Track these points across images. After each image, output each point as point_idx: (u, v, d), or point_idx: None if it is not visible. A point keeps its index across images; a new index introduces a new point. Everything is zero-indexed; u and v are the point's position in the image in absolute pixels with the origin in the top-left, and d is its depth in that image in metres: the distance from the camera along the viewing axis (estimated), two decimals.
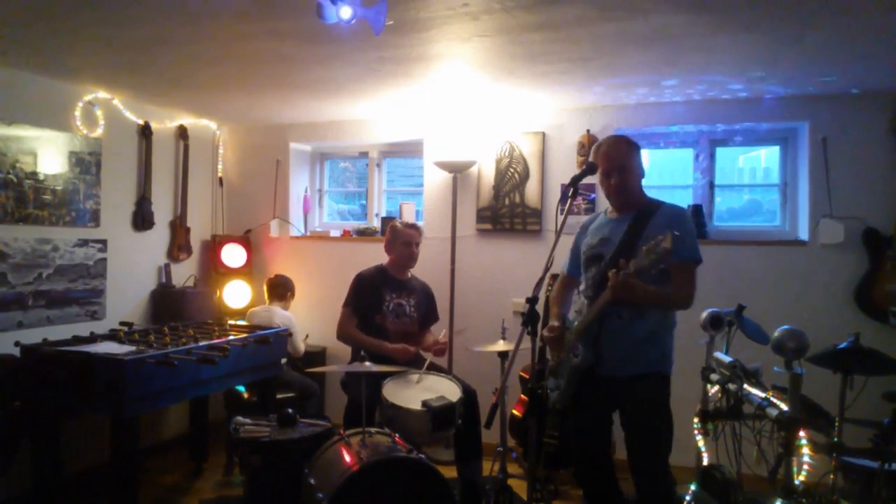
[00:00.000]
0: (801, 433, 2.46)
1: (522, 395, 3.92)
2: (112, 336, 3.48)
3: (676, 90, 3.77)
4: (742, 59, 3.15)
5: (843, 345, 2.37)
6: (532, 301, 2.33)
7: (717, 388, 2.79)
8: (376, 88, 3.83)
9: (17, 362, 3.16)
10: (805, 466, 2.52)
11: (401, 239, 3.68)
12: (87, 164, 3.97)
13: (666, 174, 4.68)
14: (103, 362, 2.90)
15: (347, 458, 2.63)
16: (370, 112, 4.54)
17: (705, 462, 2.97)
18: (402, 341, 3.53)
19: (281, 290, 4.52)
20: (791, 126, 4.00)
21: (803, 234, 3.90)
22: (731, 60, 3.17)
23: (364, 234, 4.82)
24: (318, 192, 5.33)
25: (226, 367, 3.32)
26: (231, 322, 4.16)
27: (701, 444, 2.97)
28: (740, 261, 3.92)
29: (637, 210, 2.58)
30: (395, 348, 3.44)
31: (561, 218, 2.53)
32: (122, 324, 3.74)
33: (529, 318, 2.30)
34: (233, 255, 4.87)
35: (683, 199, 4.23)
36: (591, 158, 2.66)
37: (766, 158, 4.48)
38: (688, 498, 2.95)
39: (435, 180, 4.61)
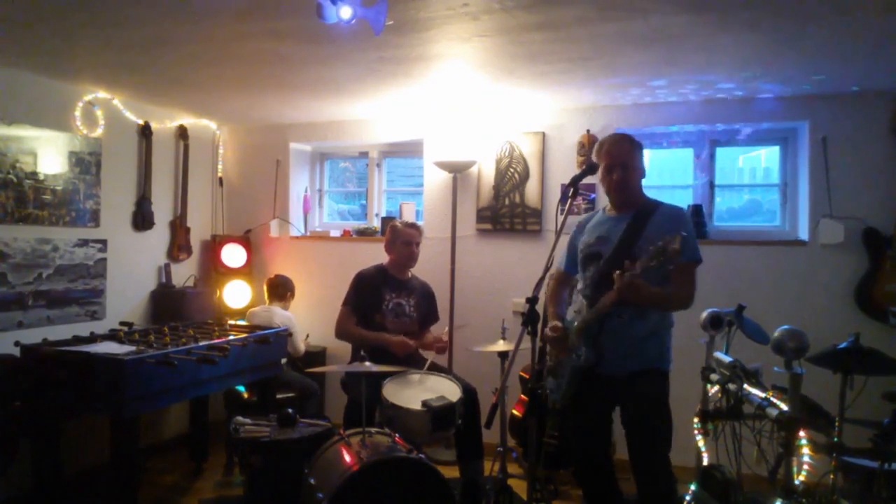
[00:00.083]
0: (801, 433, 2.46)
1: (522, 395, 3.92)
2: (112, 336, 3.48)
3: (676, 90, 3.77)
4: (742, 59, 3.15)
5: (843, 345, 2.36)
6: (532, 301, 2.33)
7: (717, 388, 2.79)
8: (376, 88, 3.83)
9: (17, 362, 3.16)
10: (805, 466, 2.52)
11: (401, 239, 3.68)
12: (87, 164, 3.97)
13: (666, 174, 4.68)
14: (103, 362, 2.90)
15: (347, 458, 2.62)
16: (370, 112, 4.54)
17: (705, 462, 2.97)
18: None
19: (281, 290, 4.52)
20: (791, 126, 4.00)
21: (803, 234, 3.89)
22: (732, 60, 3.17)
23: (364, 234, 4.82)
24: (318, 192, 5.33)
25: (226, 367, 3.32)
26: (231, 322, 4.16)
27: (701, 444, 2.97)
28: (740, 261, 3.92)
29: (636, 209, 2.58)
30: (395, 340, 3.45)
31: (561, 218, 2.53)
32: (122, 324, 3.74)
33: (529, 318, 2.31)
34: (233, 255, 4.87)
35: (683, 199, 4.24)
36: (593, 155, 2.66)
37: (766, 158, 4.48)
38: (688, 498, 2.95)
39: (435, 180, 4.61)
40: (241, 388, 4.14)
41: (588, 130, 4.21)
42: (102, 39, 3.01)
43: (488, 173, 4.45)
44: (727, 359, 2.75)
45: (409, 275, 3.79)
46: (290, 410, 3.14)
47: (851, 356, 2.32)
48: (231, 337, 3.57)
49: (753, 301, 3.09)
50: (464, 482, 3.36)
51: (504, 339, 3.43)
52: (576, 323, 2.58)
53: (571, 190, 2.55)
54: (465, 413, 3.12)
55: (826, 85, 3.58)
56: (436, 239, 4.55)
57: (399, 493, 2.56)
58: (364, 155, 5.11)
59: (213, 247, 4.90)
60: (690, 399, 2.98)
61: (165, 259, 4.63)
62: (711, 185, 4.21)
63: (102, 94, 4.06)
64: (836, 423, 2.36)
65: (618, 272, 2.30)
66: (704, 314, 2.94)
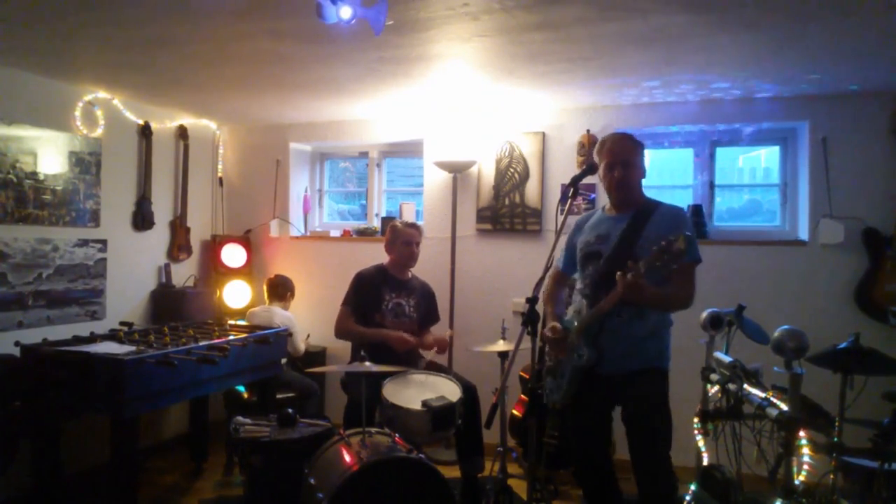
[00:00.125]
0: (801, 433, 2.45)
1: (522, 395, 3.92)
2: (112, 336, 3.48)
3: (676, 90, 3.77)
4: (742, 59, 3.15)
5: (843, 345, 2.36)
6: (532, 301, 2.33)
7: (717, 388, 2.79)
8: (376, 88, 3.83)
9: (17, 362, 3.16)
10: (805, 466, 2.52)
11: (401, 239, 3.68)
12: (87, 164, 3.97)
13: (666, 174, 4.67)
14: (103, 362, 2.90)
15: (347, 458, 2.62)
16: (370, 112, 4.54)
17: (705, 462, 2.97)
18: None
19: (281, 290, 4.52)
20: (791, 126, 4.00)
21: (803, 234, 3.90)
22: (732, 60, 3.17)
23: (364, 234, 4.82)
24: (318, 192, 5.33)
25: (226, 367, 3.32)
26: (231, 322, 4.16)
27: (701, 444, 2.97)
28: (740, 261, 3.92)
29: (636, 209, 2.58)
30: (395, 336, 3.45)
31: (561, 218, 2.54)
32: (122, 324, 3.74)
33: (529, 318, 2.31)
34: (233, 255, 4.87)
35: (683, 199, 4.24)
36: (595, 153, 2.67)
37: (766, 158, 4.48)
38: (688, 498, 2.95)
39: (435, 180, 4.61)
40: (241, 388, 4.14)
41: (588, 130, 4.21)
42: (102, 39, 3.01)
43: (488, 173, 4.45)
44: (727, 359, 2.75)
45: (409, 275, 3.79)
46: (290, 410, 3.14)
47: (851, 356, 2.32)
48: (231, 337, 3.57)
49: (753, 301, 3.09)
50: (464, 480, 3.37)
51: (504, 339, 3.43)
52: (576, 323, 2.59)
53: (571, 190, 2.55)
54: (465, 410, 3.12)
55: (826, 85, 3.58)
56: (436, 239, 4.55)
57: (399, 493, 2.56)
58: (364, 155, 5.11)
59: (213, 247, 4.90)
60: (690, 399, 2.98)
61: (165, 259, 4.63)
62: (711, 185, 4.21)
63: (102, 94, 4.06)
64: (836, 423, 2.36)
65: (620, 272, 2.29)
66: (704, 314, 2.94)
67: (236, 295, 4.82)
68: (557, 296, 2.89)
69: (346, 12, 2.14)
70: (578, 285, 2.69)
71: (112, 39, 3.01)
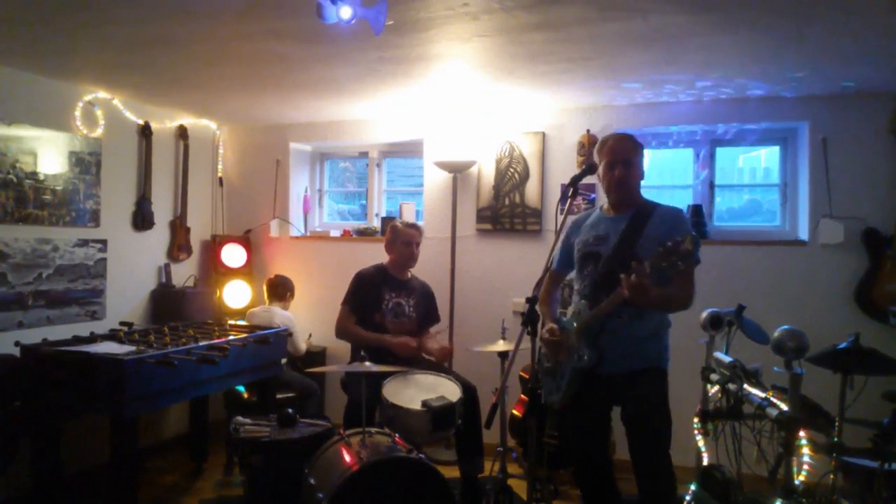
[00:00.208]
0: (801, 433, 2.46)
1: (522, 395, 3.92)
2: (112, 336, 3.48)
3: (676, 90, 3.77)
4: (742, 59, 3.15)
5: (843, 345, 2.36)
6: (532, 301, 2.33)
7: (717, 388, 2.79)
8: (376, 88, 3.83)
9: (17, 362, 3.16)
10: (805, 466, 2.52)
11: (401, 239, 3.68)
12: (87, 164, 3.97)
13: (666, 174, 4.68)
14: (103, 362, 2.90)
15: (347, 458, 2.62)
16: (370, 112, 4.54)
17: (705, 462, 2.97)
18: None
19: (281, 290, 4.52)
20: (791, 126, 4.00)
21: (803, 234, 3.90)
22: (732, 60, 3.17)
23: (364, 234, 4.82)
24: (318, 192, 5.33)
25: (226, 367, 3.32)
26: (231, 322, 4.16)
27: (701, 444, 2.97)
28: (740, 261, 3.92)
29: (635, 209, 2.58)
30: (397, 342, 3.44)
31: (561, 218, 2.54)
32: (122, 324, 3.74)
33: (529, 318, 2.31)
34: (233, 255, 4.87)
35: (683, 200, 4.24)
36: (595, 152, 2.67)
37: (766, 158, 4.48)
38: (688, 498, 2.95)
39: (435, 180, 4.61)
40: (241, 388, 4.14)
41: (588, 130, 4.21)
42: (102, 39, 3.01)
43: (488, 173, 4.45)
44: (727, 359, 2.75)
45: (409, 275, 3.79)
46: (290, 410, 3.14)
47: (851, 356, 2.32)
48: (231, 337, 3.57)
49: (753, 301, 3.09)
50: (463, 480, 3.36)
51: (504, 339, 3.43)
52: (575, 324, 2.58)
53: (571, 190, 2.55)
54: (465, 410, 3.12)
55: (826, 85, 3.58)
56: (436, 239, 4.55)
57: (399, 493, 2.56)
58: (364, 155, 5.11)
59: (213, 247, 4.90)
60: (690, 399, 2.98)
61: (165, 259, 4.63)
62: (711, 185, 4.21)
63: (102, 94, 4.06)
64: (836, 423, 2.36)
65: (625, 274, 2.28)
66: (704, 314, 2.94)
67: (236, 295, 4.82)
68: (553, 297, 2.89)
69: (346, 12, 2.14)
70: (577, 286, 2.68)
71: (112, 39, 3.01)
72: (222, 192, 5.13)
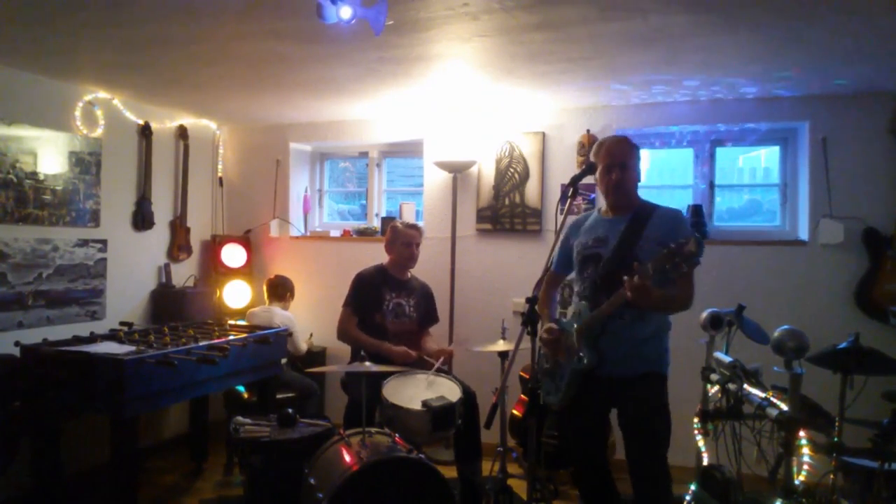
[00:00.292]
0: (801, 433, 2.46)
1: (522, 395, 3.92)
2: (112, 336, 3.48)
3: (676, 90, 3.77)
4: (742, 59, 3.15)
5: (843, 345, 2.36)
6: (532, 301, 2.32)
7: (717, 388, 2.79)
8: (376, 88, 3.83)
9: (17, 362, 3.16)
10: (805, 466, 2.52)
11: (401, 239, 3.68)
12: (87, 164, 3.97)
13: (666, 174, 4.68)
14: (103, 362, 2.90)
15: (347, 458, 2.62)
16: (370, 112, 4.54)
17: (705, 462, 2.96)
18: (402, 341, 3.53)
19: (280, 290, 4.52)
20: (791, 126, 4.00)
21: (803, 234, 3.90)
22: (731, 60, 3.17)
23: (364, 234, 4.82)
24: (318, 192, 5.33)
25: (226, 367, 3.32)
26: (231, 322, 4.16)
27: (701, 444, 2.97)
28: (740, 261, 3.92)
29: (633, 211, 2.58)
30: (397, 351, 3.44)
31: (561, 218, 2.53)
32: (122, 324, 3.74)
33: (529, 318, 2.30)
34: (233, 255, 4.87)
35: (683, 199, 4.23)
36: (592, 156, 2.66)
37: (766, 158, 4.48)
38: (688, 498, 2.95)
39: (435, 180, 4.61)
40: (241, 388, 4.14)
41: (588, 130, 4.21)
42: (102, 39, 3.01)
43: (488, 173, 4.45)
44: (727, 359, 2.75)
45: (409, 275, 3.79)
46: (290, 410, 3.14)
47: (851, 356, 2.32)
48: (231, 337, 3.57)
49: (753, 301, 3.09)
50: (461, 484, 3.36)
51: (504, 339, 3.42)
52: (576, 325, 2.58)
53: (571, 190, 2.54)
54: (464, 415, 3.12)
55: (826, 85, 3.58)
56: (436, 239, 4.55)
57: (399, 493, 2.56)
58: (364, 155, 5.11)
59: (213, 247, 4.90)
60: (690, 399, 2.98)
61: (165, 259, 4.63)
62: (711, 185, 4.21)
63: (102, 94, 4.06)
64: (836, 423, 2.36)
65: (628, 276, 2.27)
66: (704, 314, 2.94)
67: (236, 295, 4.82)
68: (552, 298, 2.89)
69: (346, 12, 2.14)
70: (577, 288, 2.68)
71: (112, 39, 3.01)
72: (222, 192, 5.13)
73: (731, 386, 2.65)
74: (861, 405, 2.39)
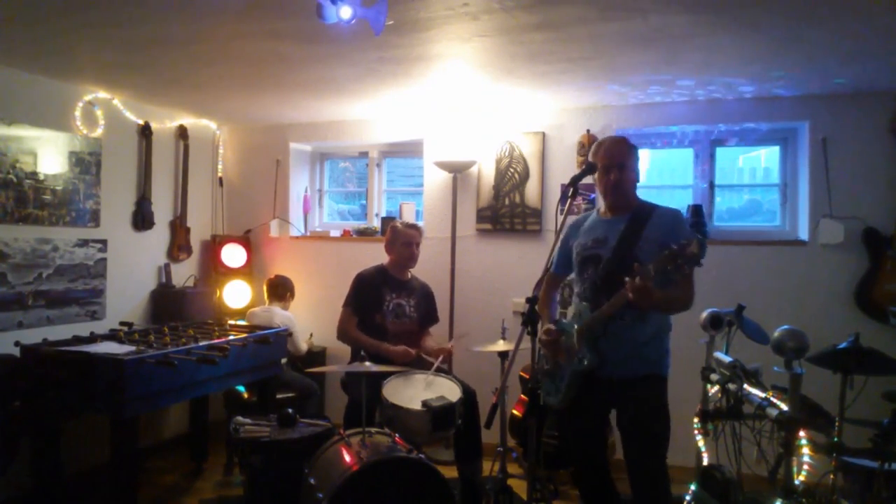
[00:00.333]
0: (801, 433, 2.46)
1: (522, 395, 3.92)
2: (112, 336, 3.48)
3: (676, 90, 3.77)
4: (742, 59, 3.15)
5: (843, 345, 2.36)
6: (532, 301, 2.32)
7: (717, 388, 2.79)
8: (376, 88, 3.83)
9: (17, 362, 3.16)
10: (805, 466, 2.52)
11: (401, 239, 3.68)
12: (87, 164, 3.97)
13: (666, 174, 4.68)
14: (103, 362, 2.90)
15: (347, 458, 2.62)
16: (370, 112, 4.54)
17: (705, 462, 2.97)
18: (402, 341, 3.53)
19: (281, 290, 4.52)
20: (791, 126, 4.00)
21: (803, 234, 3.90)
22: (731, 60, 3.17)
23: (364, 234, 4.82)
24: (318, 192, 5.33)
25: (226, 367, 3.32)
26: (231, 322, 4.16)
27: (701, 444, 2.97)
28: (740, 261, 3.92)
29: (632, 211, 2.58)
30: (396, 351, 3.44)
31: (561, 218, 2.53)
32: (122, 324, 3.74)
33: (529, 318, 2.30)
34: (233, 255, 4.87)
35: (683, 199, 4.23)
36: (590, 156, 2.66)
37: (766, 158, 4.48)
38: (688, 498, 2.95)
39: (435, 180, 4.61)
40: (241, 388, 4.14)
41: (588, 130, 4.21)
42: (102, 39, 3.01)
43: (488, 173, 4.45)
44: (727, 359, 2.75)
45: (409, 275, 3.79)
46: (290, 410, 3.14)
47: (851, 356, 2.32)
48: (231, 337, 3.57)
49: (753, 301, 3.09)
50: (462, 483, 3.36)
51: (504, 339, 3.42)
52: (576, 326, 2.57)
53: (571, 190, 2.54)
54: (464, 415, 3.12)
55: (826, 85, 3.58)
56: (436, 239, 4.55)
57: (399, 493, 2.56)
58: (364, 155, 5.11)
59: (213, 247, 4.90)
60: (690, 399, 2.98)
61: (165, 259, 4.63)
62: (711, 185, 4.21)
63: (102, 94, 4.06)
64: (836, 423, 2.36)
65: (630, 278, 2.26)
66: (704, 314, 2.94)
67: (236, 295, 4.82)
68: (552, 299, 2.89)
69: (346, 12, 2.14)
70: (577, 289, 2.68)
71: (112, 39, 3.01)
72: (222, 192, 5.13)
73: (731, 386, 2.64)
74: (861, 405, 2.39)
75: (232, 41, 2.98)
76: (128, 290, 4.30)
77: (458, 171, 4.41)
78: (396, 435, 2.84)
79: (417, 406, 2.92)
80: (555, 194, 4.27)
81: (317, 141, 5.09)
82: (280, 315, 4.34)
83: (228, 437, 3.83)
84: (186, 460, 4.15)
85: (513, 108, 4.34)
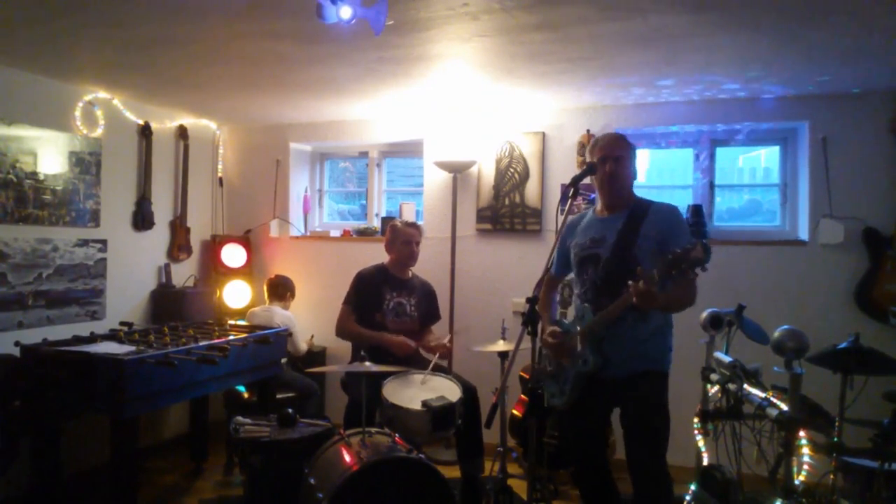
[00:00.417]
0: (801, 433, 2.46)
1: (522, 395, 3.92)
2: (112, 336, 3.48)
3: (676, 90, 3.77)
4: (742, 59, 3.15)
5: (843, 345, 2.36)
6: (532, 301, 2.32)
7: (717, 388, 2.79)
8: (376, 88, 3.83)
9: (17, 362, 3.16)
10: (805, 466, 2.52)
11: (400, 238, 3.68)
12: (87, 164, 3.97)
13: (666, 174, 4.68)
14: (103, 362, 2.90)
15: (347, 458, 2.63)
16: (370, 112, 4.54)
17: (705, 462, 2.96)
18: None
19: (281, 290, 4.52)
20: (791, 126, 4.00)
21: (803, 234, 3.90)
22: (731, 60, 3.17)
23: (364, 234, 4.82)
24: (318, 192, 5.33)
25: (226, 367, 3.32)
26: (231, 322, 4.16)
27: (701, 444, 2.97)
28: (740, 261, 3.92)
29: (630, 209, 2.58)
30: (395, 340, 3.45)
31: (561, 218, 2.53)
32: (122, 324, 3.74)
33: (529, 318, 2.30)
34: (233, 255, 4.87)
35: (683, 200, 4.23)
36: (588, 153, 2.67)
37: (766, 158, 4.48)
38: (688, 498, 2.95)
39: (435, 180, 4.61)
40: (241, 388, 4.14)
41: (588, 130, 4.21)
42: (102, 39, 3.01)
43: (488, 173, 4.45)
44: (727, 359, 2.75)
45: (410, 274, 3.79)
46: (290, 410, 3.14)
47: (851, 356, 2.32)
48: (231, 337, 3.57)
49: (753, 301, 3.09)
50: (464, 480, 3.37)
51: (504, 339, 3.42)
52: (579, 327, 2.57)
53: (571, 190, 2.54)
54: (465, 411, 3.12)
55: (826, 85, 3.58)
56: (436, 239, 4.55)
57: (399, 493, 2.56)
58: (364, 155, 5.11)
59: (213, 247, 4.90)
60: (690, 399, 2.98)
61: (165, 259, 4.63)
62: (711, 185, 4.21)
63: (102, 94, 4.06)
64: (836, 423, 2.36)
65: (632, 281, 2.25)
66: (704, 314, 2.94)
67: (236, 295, 4.82)
68: (552, 300, 2.88)
69: (346, 12, 2.14)
70: (577, 290, 2.68)
71: (112, 39, 3.01)
72: (222, 192, 5.13)
73: (731, 386, 2.64)
74: (861, 405, 2.39)
75: (232, 41, 2.98)
76: (128, 290, 4.30)
77: (458, 171, 4.41)
78: (396, 435, 2.84)
79: (417, 406, 2.92)
80: (555, 194, 4.27)
81: (317, 141, 5.09)
82: (280, 315, 4.33)
83: (228, 437, 3.84)
84: (186, 460, 4.15)
85: (513, 108, 4.34)
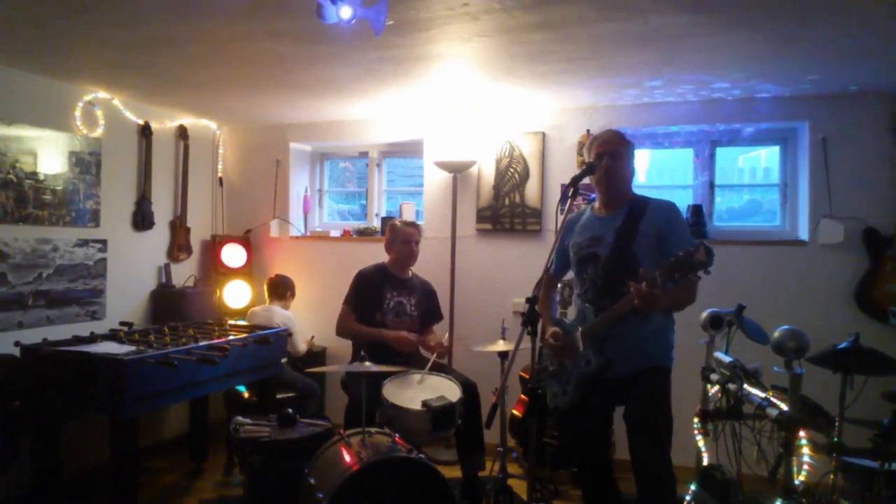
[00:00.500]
0: (801, 433, 2.45)
1: (522, 395, 3.92)
2: (112, 336, 3.48)
3: (676, 90, 3.77)
4: (742, 59, 3.15)
5: (843, 345, 2.36)
6: (532, 301, 2.32)
7: (717, 388, 2.79)
8: (376, 88, 3.83)
9: (17, 362, 3.16)
10: (805, 466, 2.52)
11: (400, 237, 3.69)
12: (87, 164, 3.97)
13: (666, 174, 4.68)
14: (103, 362, 2.90)
15: (347, 458, 2.63)
16: (370, 112, 4.54)
17: (705, 462, 2.96)
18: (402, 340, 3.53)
19: (281, 289, 4.52)
20: (791, 126, 4.00)
21: (803, 234, 3.90)
22: (732, 60, 3.17)
23: (364, 234, 4.82)
24: (318, 192, 5.33)
25: (226, 367, 3.32)
26: (231, 322, 4.16)
27: (701, 444, 2.97)
28: (740, 261, 3.92)
29: (628, 207, 2.58)
30: (395, 335, 3.45)
31: (561, 218, 2.53)
32: (122, 324, 3.74)
33: (529, 318, 2.30)
34: (233, 255, 4.87)
35: (683, 199, 4.23)
36: (585, 152, 2.67)
37: (766, 158, 4.48)
38: (688, 498, 2.95)
39: (435, 180, 4.61)
40: (242, 388, 4.14)
41: (588, 130, 4.21)
42: (102, 39, 3.01)
43: (488, 173, 4.45)
44: (727, 359, 2.75)
45: (410, 273, 3.80)
46: (290, 410, 3.14)
47: (851, 356, 2.32)
48: (231, 337, 3.57)
49: (753, 301, 3.09)
50: (464, 478, 3.37)
51: (504, 339, 3.42)
52: (580, 328, 2.56)
53: (571, 190, 2.54)
54: (465, 407, 3.12)
55: (826, 85, 3.58)
56: (436, 239, 4.55)
57: (399, 493, 2.56)
58: (364, 155, 5.11)
59: (213, 247, 4.90)
60: (690, 399, 2.98)
61: (165, 259, 4.63)
62: (711, 185, 4.21)
63: (102, 94, 4.06)
64: (836, 423, 2.36)
65: (634, 283, 2.25)
66: (704, 314, 2.94)
67: (236, 295, 4.82)
68: (552, 300, 2.88)
69: (346, 12, 2.14)
70: (577, 290, 2.67)
71: (112, 39, 3.01)
72: (222, 192, 5.13)
73: (731, 386, 2.64)
74: (861, 405, 2.39)
75: (232, 41, 2.98)
76: (128, 290, 4.30)
77: (458, 171, 4.41)
78: (396, 435, 2.84)
79: (417, 406, 2.92)
80: (555, 194, 4.27)
81: (317, 141, 5.09)
82: (280, 314, 4.33)
83: (228, 437, 3.83)
84: (186, 460, 4.15)
85: (513, 108, 4.34)
